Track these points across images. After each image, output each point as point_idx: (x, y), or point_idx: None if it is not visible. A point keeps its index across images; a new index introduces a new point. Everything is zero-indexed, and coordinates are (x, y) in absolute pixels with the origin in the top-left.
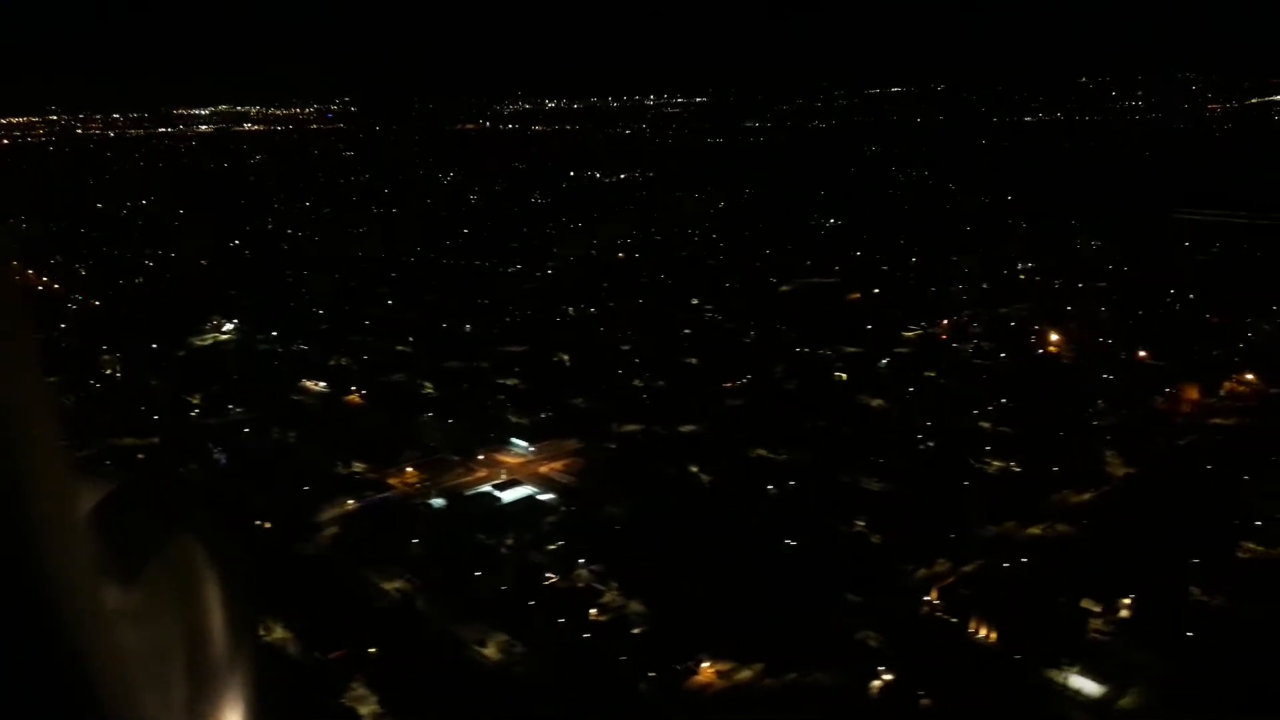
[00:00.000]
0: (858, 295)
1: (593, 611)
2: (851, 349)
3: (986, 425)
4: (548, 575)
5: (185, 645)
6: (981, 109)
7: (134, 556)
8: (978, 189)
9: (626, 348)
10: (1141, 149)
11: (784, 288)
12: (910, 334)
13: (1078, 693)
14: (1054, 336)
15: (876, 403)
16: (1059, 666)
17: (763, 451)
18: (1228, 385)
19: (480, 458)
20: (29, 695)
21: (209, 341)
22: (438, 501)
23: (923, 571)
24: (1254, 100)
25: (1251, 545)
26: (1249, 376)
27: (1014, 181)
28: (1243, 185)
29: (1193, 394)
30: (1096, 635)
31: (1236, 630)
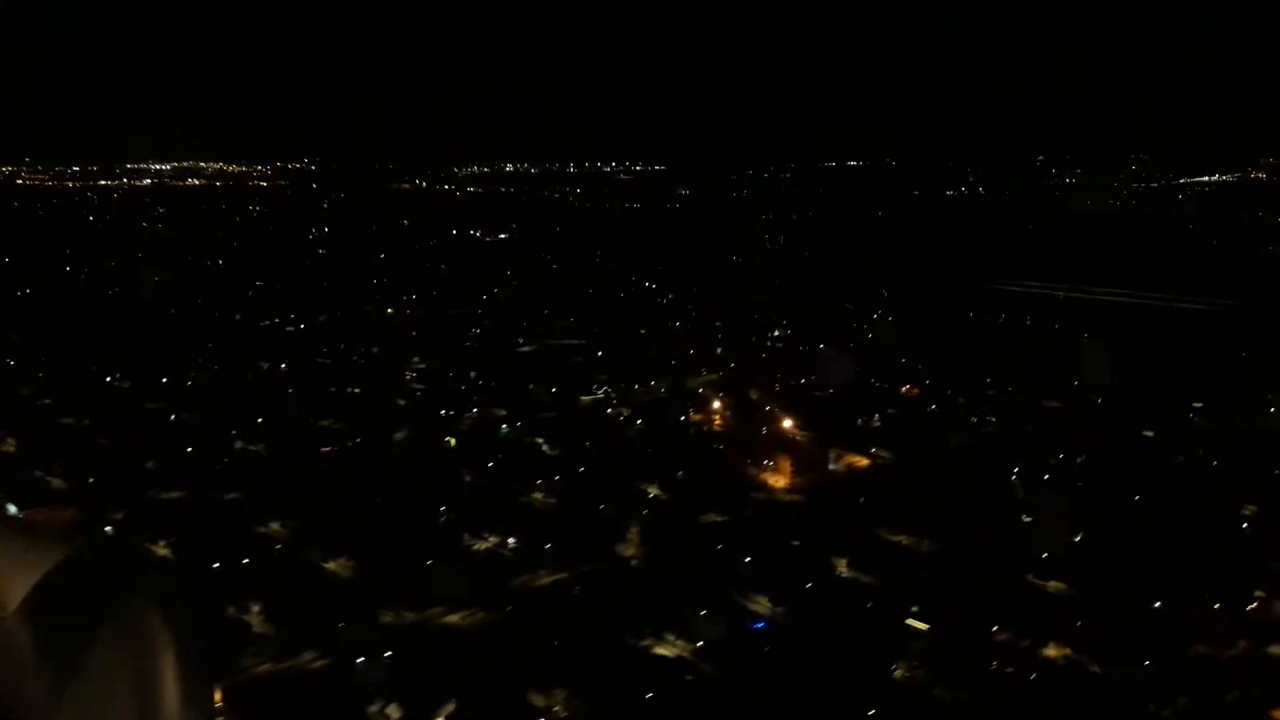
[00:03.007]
0: (580, 358)
1: None
2: (500, 411)
3: (538, 497)
4: None
5: (140, 710)
6: (909, 185)
7: (85, 625)
8: (824, 260)
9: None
10: (1026, 223)
11: (525, 348)
12: (586, 399)
13: None
14: (715, 405)
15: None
16: None
17: (274, 525)
18: (848, 460)
19: None
20: None
21: None
22: None
23: (266, 666)
24: (1182, 180)
25: (672, 638)
26: (874, 451)
27: (870, 254)
28: (1101, 260)
29: (785, 468)
30: None
31: None
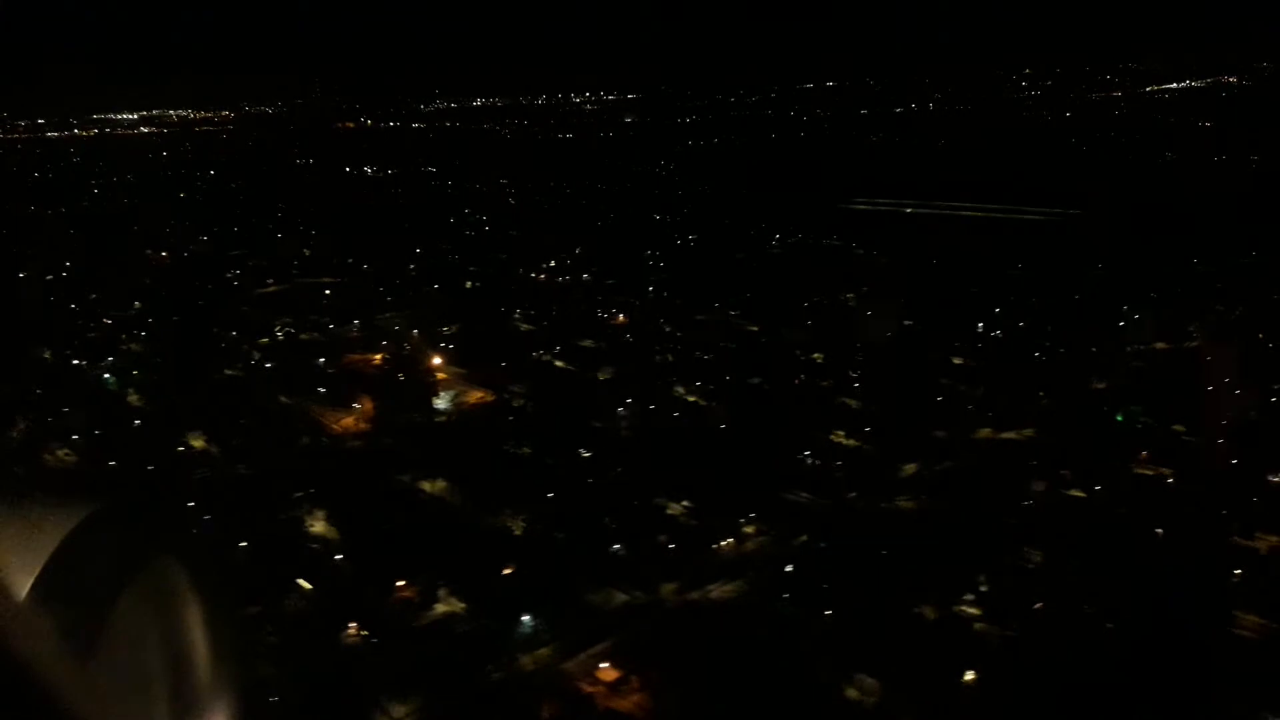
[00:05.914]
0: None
1: None
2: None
3: (67, 451)
4: None
5: (166, 672)
6: (862, 104)
7: (110, 587)
8: (696, 185)
9: None
10: (939, 138)
11: (270, 288)
12: (264, 341)
13: None
14: (382, 344)
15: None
16: None
17: None
18: (470, 396)
19: None
20: None
21: None
22: None
23: None
24: (1149, 88)
25: None
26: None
27: (745, 177)
28: (983, 176)
29: (370, 408)
30: None
31: None
